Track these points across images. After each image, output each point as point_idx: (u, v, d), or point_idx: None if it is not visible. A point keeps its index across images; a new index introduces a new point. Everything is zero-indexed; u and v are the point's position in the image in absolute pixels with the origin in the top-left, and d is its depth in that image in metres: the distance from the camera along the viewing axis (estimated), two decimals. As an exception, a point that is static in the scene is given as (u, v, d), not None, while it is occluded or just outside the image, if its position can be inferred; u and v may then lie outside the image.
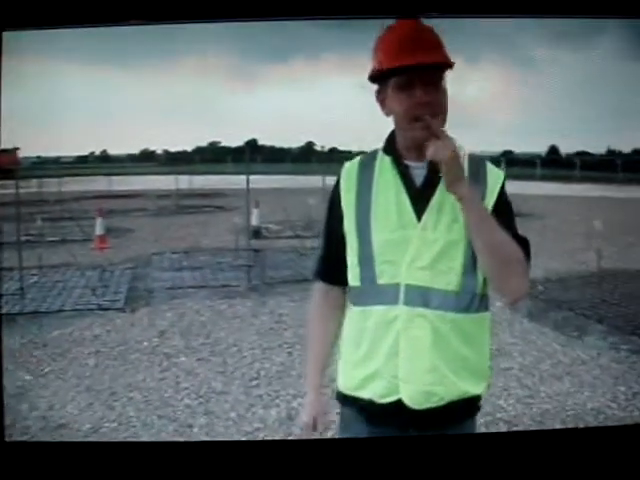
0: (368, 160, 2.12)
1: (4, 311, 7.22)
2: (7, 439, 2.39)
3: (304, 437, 2.22)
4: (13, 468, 2.29)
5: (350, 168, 2.12)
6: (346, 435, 2.17)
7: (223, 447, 2.49)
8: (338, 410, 2.17)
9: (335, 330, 2.20)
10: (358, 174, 2.10)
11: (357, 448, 2.21)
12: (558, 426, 4.35)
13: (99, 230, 10.92)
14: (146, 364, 5.60)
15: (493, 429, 4.27)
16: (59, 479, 2.29)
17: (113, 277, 8.92)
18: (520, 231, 2.03)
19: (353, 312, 2.10)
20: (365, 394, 2.04)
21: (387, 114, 2.05)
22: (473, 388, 2.04)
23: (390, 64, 1.98)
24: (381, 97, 2.05)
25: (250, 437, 4.26)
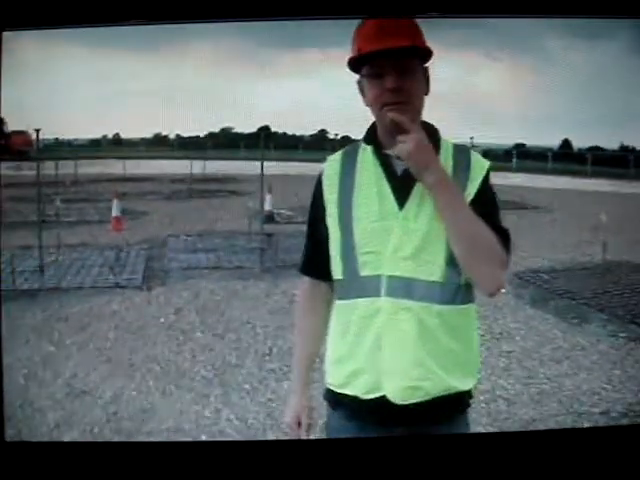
0: (350, 152, 2.08)
1: (25, 287, 7.49)
2: (7, 439, 2.41)
3: (295, 437, 2.19)
4: (13, 468, 2.32)
5: (332, 160, 2.10)
6: (333, 434, 2.14)
7: (220, 447, 2.54)
8: (324, 411, 2.15)
9: (321, 327, 2.16)
10: (341, 166, 2.07)
11: (349, 448, 2.20)
12: (555, 406, 4.59)
13: (115, 212, 11.04)
14: (163, 339, 5.85)
15: (493, 406, 4.51)
16: (59, 479, 2.32)
17: (129, 257, 9.13)
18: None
19: (338, 306, 2.06)
20: (350, 390, 2.01)
21: (366, 104, 2.02)
22: (461, 384, 2.00)
23: (359, 50, 1.97)
24: (360, 86, 2.03)
25: (264, 407, 4.52)
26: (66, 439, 4.15)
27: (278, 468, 2.32)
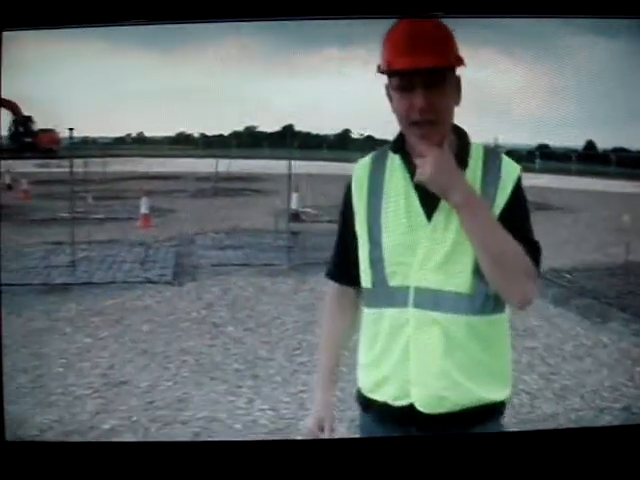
0: (380, 158, 2.05)
1: (59, 281, 7.70)
2: (7, 439, 2.41)
3: (312, 437, 2.18)
4: (13, 468, 2.33)
5: (362, 167, 2.06)
6: (364, 435, 2.13)
7: (229, 447, 2.54)
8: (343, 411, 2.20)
9: (347, 332, 2.18)
10: (370, 173, 2.04)
11: (366, 448, 2.25)
12: (577, 401, 4.71)
13: (144, 209, 11.17)
14: (196, 332, 6.03)
15: (516, 400, 4.63)
16: (59, 479, 2.34)
17: (159, 253, 9.31)
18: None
19: (367, 315, 2.04)
20: (379, 397, 2.01)
21: (393, 112, 1.98)
22: (492, 394, 1.98)
23: (388, 65, 1.92)
24: (388, 93, 1.97)
25: (295, 398, 4.69)
26: (106, 427, 4.33)
27: (303, 467, 2.35)
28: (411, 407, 1.96)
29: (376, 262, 1.98)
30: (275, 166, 12.37)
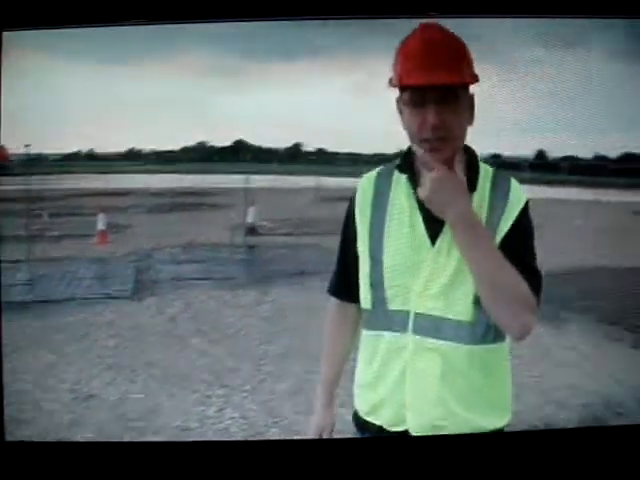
0: (385, 175, 1.99)
1: (18, 299, 7.63)
2: (7, 439, 2.41)
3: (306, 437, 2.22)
4: (13, 468, 2.32)
5: (367, 184, 2.01)
6: None
7: (223, 447, 2.52)
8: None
9: (348, 347, 2.16)
10: (374, 191, 1.98)
11: (357, 449, 2.22)
12: (536, 400, 4.84)
13: (101, 225, 11.09)
14: (162, 345, 6.06)
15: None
16: (59, 479, 2.33)
17: (117, 269, 9.28)
18: None
19: (365, 335, 2.01)
20: (375, 420, 1.99)
21: (404, 127, 1.91)
22: (491, 422, 1.95)
23: (401, 80, 1.85)
24: (399, 108, 1.91)
25: (264, 406, 4.76)
26: (79, 439, 4.34)
27: (284, 468, 2.34)
28: (407, 434, 1.94)
29: (377, 284, 1.94)
30: (229, 180, 12.40)
